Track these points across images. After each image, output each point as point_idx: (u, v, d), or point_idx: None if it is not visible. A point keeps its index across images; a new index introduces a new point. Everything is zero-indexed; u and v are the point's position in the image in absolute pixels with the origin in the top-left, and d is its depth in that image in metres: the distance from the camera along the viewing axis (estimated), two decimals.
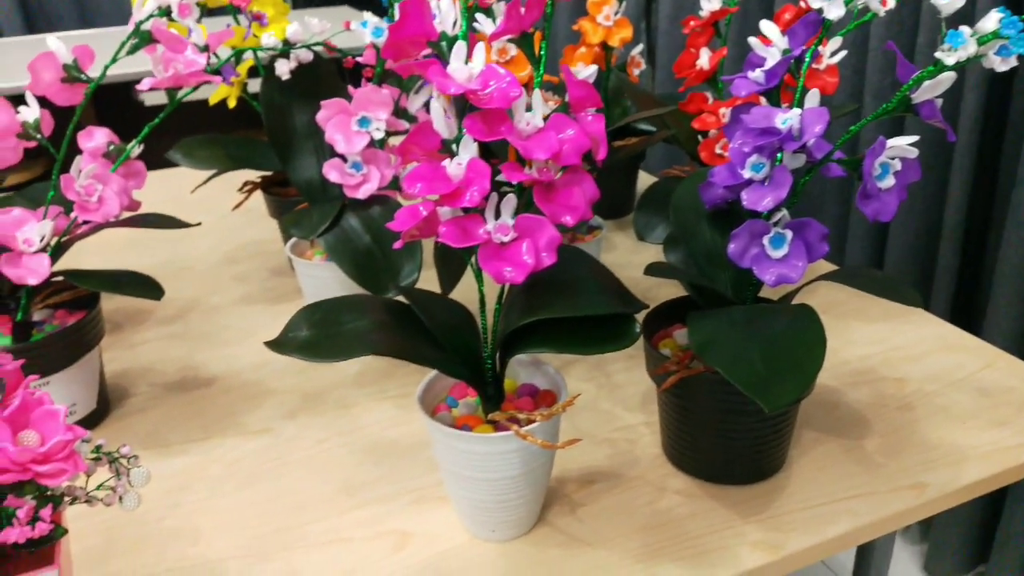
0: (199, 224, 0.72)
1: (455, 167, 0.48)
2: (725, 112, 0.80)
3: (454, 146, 0.48)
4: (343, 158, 0.70)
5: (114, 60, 0.60)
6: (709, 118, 0.80)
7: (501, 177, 0.48)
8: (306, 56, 0.69)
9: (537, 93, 0.48)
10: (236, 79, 0.90)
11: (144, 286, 0.65)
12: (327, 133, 0.67)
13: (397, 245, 0.48)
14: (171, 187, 1.21)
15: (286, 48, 0.67)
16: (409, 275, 0.67)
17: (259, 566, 0.55)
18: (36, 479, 0.43)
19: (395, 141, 0.88)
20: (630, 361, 0.76)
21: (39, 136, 0.63)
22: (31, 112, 0.62)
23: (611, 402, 0.70)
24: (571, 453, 0.64)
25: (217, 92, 0.90)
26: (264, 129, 0.72)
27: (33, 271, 0.61)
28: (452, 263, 0.64)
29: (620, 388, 0.72)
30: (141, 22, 0.58)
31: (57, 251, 0.63)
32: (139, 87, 0.62)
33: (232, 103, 0.90)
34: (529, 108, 0.48)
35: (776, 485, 0.60)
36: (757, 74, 0.58)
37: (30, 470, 0.42)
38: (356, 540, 0.57)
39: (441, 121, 0.49)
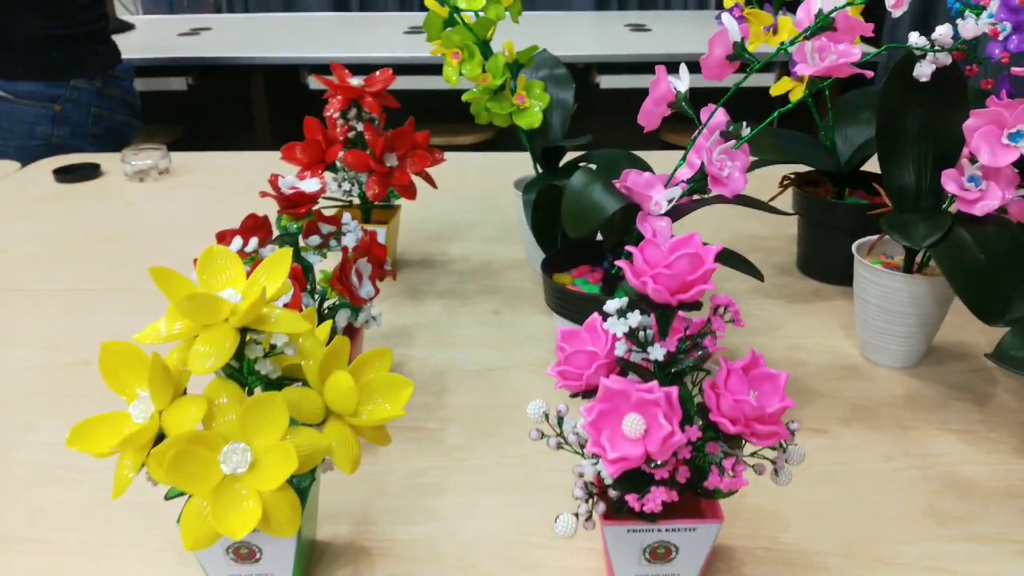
0: (792, 214, 0.72)
1: None
2: None
3: None
4: (961, 170, 0.66)
5: (775, 55, 0.61)
6: None
7: None
8: (945, 60, 0.66)
9: None
10: (807, 76, 0.89)
11: (747, 265, 0.67)
12: (972, 142, 0.63)
13: None
14: None
15: (929, 50, 0.64)
16: (1017, 312, 0.62)
17: (856, 571, 0.54)
18: (750, 437, 0.45)
19: None
20: None
21: (686, 106, 0.66)
22: (683, 83, 0.66)
23: None
24: None
25: (779, 84, 0.90)
26: (875, 127, 0.71)
27: (661, 233, 0.65)
28: None
29: None
30: (833, 10, 0.58)
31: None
32: (796, 71, 0.62)
33: (796, 97, 0.89)
34: None
35: None
36: None
37: (751, 427, 0.44)
38: (960, 574, 0.54)
39: None
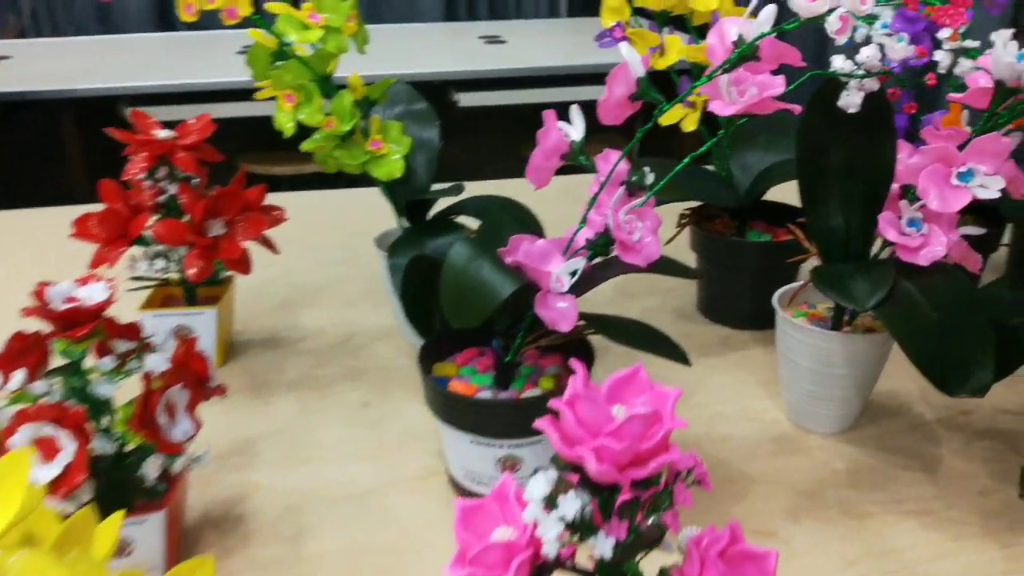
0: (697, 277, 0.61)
1: None
2: None
3: None
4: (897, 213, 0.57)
5: (680, 98, 0.50)
6: None
7: None
8: (872, 86, 0.57)
9: None
10: (700, 98, 0.79)
11: (668, 347, 0.55)
12: (920, 184, 0.53)
13: None
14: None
15: (857, 75, 0.54)
16: (982, 379, 0.53)
17: None
18: None
19: None
20: None
21: (584, 159, 0.54)
22: (576, 130, 0.54)
23: None
24: None
25: (670, 113, 0.79)
26: (796, 161, 0.61)
27: (565, 315, 0.52)
28: None
29: None
30: (756, 39, 0.47)
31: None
32: (714, 109, 0.51)
33: (689, 126, 0.79)
34: None
35: None
36: None
37: None
38: None
39: None
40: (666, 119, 0.80)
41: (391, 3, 3.39)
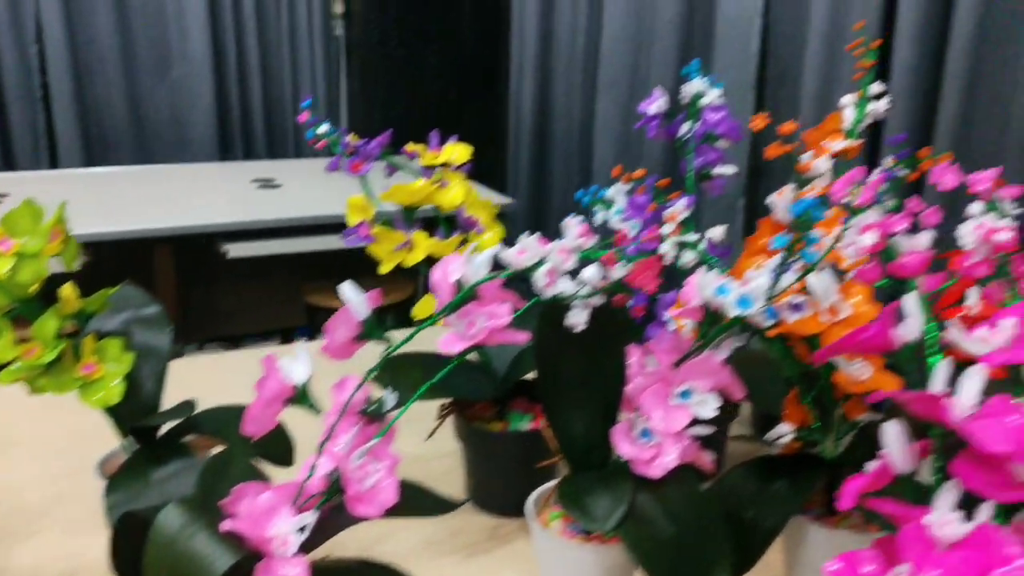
0: (463, 503, 0.59)
1: (947, 527, 0.36)
2: None
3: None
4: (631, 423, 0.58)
5: (423, 327, 0.49)
6: None
7: None
8: (597, 301, 0.59)
9: None
10: None
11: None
12: (643, 406, 0.55)
13: None
14: None
15: (580, 296, 0.56)
16: None
17: None
18: None
19: None
20: None
21: (309, 401, 0.50)
22: (301, 370, 0.50)
23: None
24: None
25: (422, 303, 0.79)
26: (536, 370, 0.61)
27: None
28: None
29: None
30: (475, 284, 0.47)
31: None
32: (443, 346, 0.50)
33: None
34: None
35: None
36: None
37: None
38: None
39: (898, 447, 0.37)
40: (419, 311, 0.79)
41: (163, 138, 3.28)
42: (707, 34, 2.14)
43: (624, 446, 0.58)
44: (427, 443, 0.84)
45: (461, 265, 0.48)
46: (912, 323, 0.40)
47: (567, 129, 2.81)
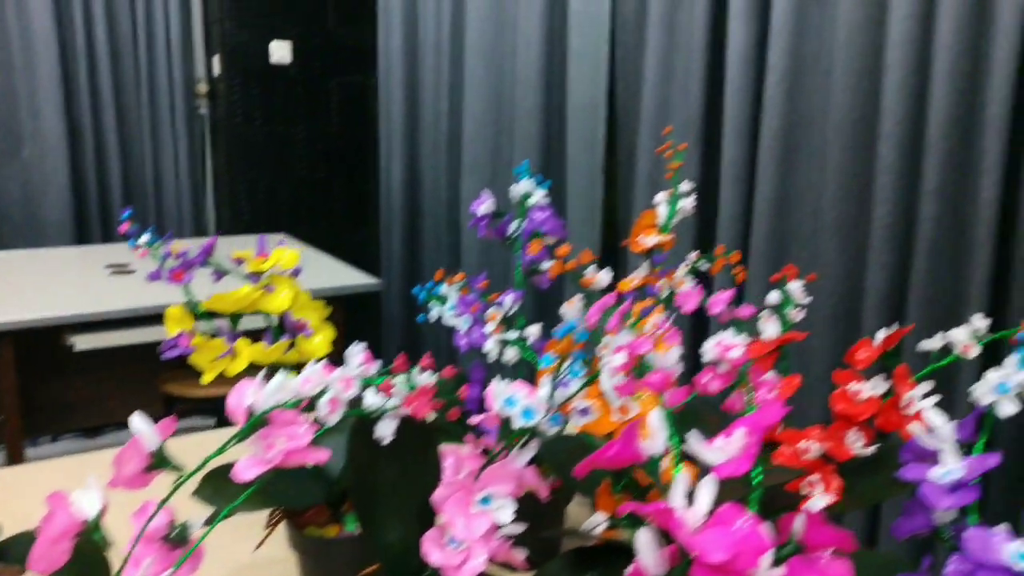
0: None
1: None
2: None
3: None
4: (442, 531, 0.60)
5: (220, 451, 0.49)
6: None
7: None
8: (405, 412, 0.61)
9: None
10: None
11: None
12: (446, 513, 0.57)
13: None
14: None
15: (383, 411, 0.58)
16: None
17: None
18: None
19: None
20: None
21: (101, 534, 0.50)
22: (94, 502, 0.50)
23: None
24: None
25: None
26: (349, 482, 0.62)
27: None
28: None
29: None
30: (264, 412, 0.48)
31: None
32: (238, 476, 0.51)
33: None
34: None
35: None
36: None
37: None
38: None
39: (650, 553, 0.41)
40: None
41: (13, 223, 3.13)
42: (562, 119, 2.26)
43: (434, 554, 0.60)
44: (262, 550, 0.83)
45: (252, 392, 0.50)
46: (657, 437, 0.44)
47: (435, 209, 2.86)
